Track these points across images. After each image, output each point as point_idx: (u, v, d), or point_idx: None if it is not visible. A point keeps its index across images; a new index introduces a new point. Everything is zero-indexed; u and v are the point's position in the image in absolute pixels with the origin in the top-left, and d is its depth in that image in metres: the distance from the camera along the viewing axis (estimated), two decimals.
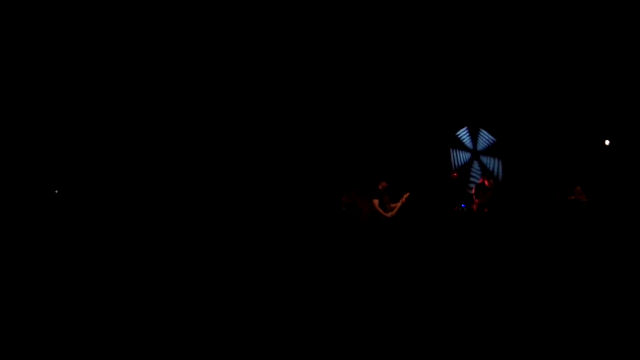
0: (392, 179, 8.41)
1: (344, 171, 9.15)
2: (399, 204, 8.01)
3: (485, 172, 9.26)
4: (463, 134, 9.76)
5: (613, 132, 8.93)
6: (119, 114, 8.63)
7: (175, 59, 8.50)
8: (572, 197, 7.90)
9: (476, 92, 9.01)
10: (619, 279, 4.41)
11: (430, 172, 8.73)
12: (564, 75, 8.79)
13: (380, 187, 8.13)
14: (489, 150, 9.87)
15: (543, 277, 4.63)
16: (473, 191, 7.89)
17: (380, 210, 8.02)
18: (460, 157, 9.56)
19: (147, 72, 8.50)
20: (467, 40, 8.51)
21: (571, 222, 7.51)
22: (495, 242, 6.89)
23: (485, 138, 9.88)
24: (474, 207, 7.80)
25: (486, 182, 7.74)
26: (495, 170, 9.76)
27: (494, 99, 9.06)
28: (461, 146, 9.65)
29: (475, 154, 9.87)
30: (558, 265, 5.10)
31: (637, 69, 8.44)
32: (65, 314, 3.72)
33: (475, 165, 9.78)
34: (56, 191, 8.73)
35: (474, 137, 9.89)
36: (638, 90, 8.52)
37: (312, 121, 9.16)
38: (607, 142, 8.79)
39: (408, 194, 8.16)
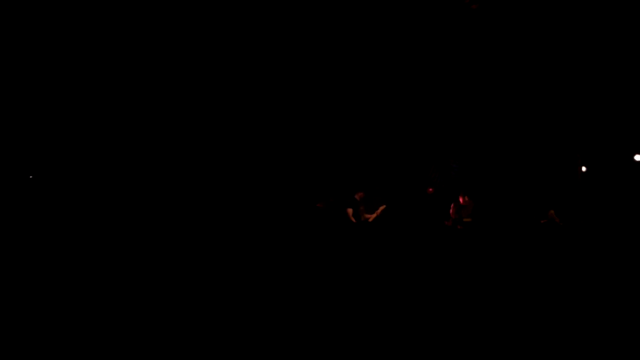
0: (370, 190, 8.40)
1: (326, 179, 9.14)
2: (373, 216, 8.01)
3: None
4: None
5: (587, 157, 9.08)
6: (116, 114, 8.58)
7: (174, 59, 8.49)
8: (545, 220, 7.98)
9: (458, 113, 9.06)
10: (598, 297, 4.46)
11: (408, 186, 8.73)
12: (539, 100, 8.92)
13: (356, 197, 8.12)
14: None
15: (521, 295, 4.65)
16: (451, 209, 7.89)
17: (353, 220, 8.01)
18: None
19: (144, 71, 8.48)
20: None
21: (547, 243, 7.58)
22: (470, 258, 6.91)
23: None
24: (449, 222, 7.80)
25: (460, 200, 7.76)
26: None
27: (473, 124, 9.10)
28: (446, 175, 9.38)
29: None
30: (537, 284, 5.14)
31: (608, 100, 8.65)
32: (65, 314, 3.67)
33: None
34: (30, 177, 8.59)
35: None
36: (610, 116, 8.73)
37: (298, 129, 9.16)
38: (583, 169, 8.92)
39: (384, 206, 8.17)
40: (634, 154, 8.99)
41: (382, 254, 7.71)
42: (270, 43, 8.50)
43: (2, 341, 3.10)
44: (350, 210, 8.08)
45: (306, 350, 3.21)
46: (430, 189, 8.03)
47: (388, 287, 5.52)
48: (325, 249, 7.62)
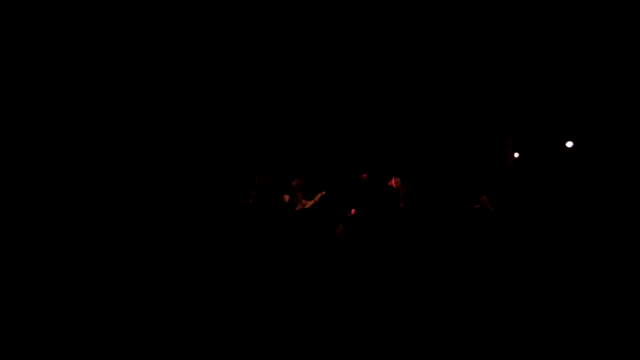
0: (309, 177, 8.38)
1: (264, 167, 9.02)
2: (311, 202, 7.96)
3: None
4: None
5: (519, 143, 9.31)
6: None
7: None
8: (478, 205, 8.14)
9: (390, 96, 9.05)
10: (529, 281, 4.59)
11: (344, 172, 8.73)
12: (472, 85, 9.02)
13: (293, 183, 8.07)
14: None
15: (458, 280, 4.73)
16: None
17: (297, 207, 7.98)
18: None
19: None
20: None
21: (480, 228, 7.75)
22: (408, 243, 7.01)
23: None
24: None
25: (393, 183, 7.81)
26: None
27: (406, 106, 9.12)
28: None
29: None
30: (472, 269, 5.25)
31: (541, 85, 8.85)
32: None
33: None
34: None
35: None
36: (541, 105, 8.95)
37: (238, 117, 8.97)
38: (516, 155, 9.16)
39: (323, 192, 8.14)
40: (566, 141, 9.32)
41: (321, 239, 7.72)
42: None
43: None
44: (287, 197, 8.04)
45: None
46: (364, 175, 8.03)
47: (327, 272, 5.53)
48: (265, 239, 7.58)
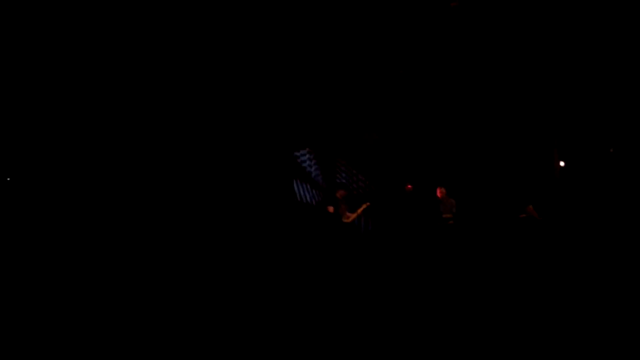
0: (352, 188, 8.42)
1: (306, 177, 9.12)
2: (354, 215, 7.99)
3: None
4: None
5: (565, 152, 9.19)
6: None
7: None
8: (524, 215, 8.04)
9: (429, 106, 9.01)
10: (580, 289, 4.57)
11: (390, 183, 8.75)
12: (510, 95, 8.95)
13: (338, 195, 8.11)
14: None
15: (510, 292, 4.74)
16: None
17: (345, 218, 7.99)
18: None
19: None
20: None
21: (528, 237, 7.67)
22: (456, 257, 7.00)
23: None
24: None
25: (438, 193, 7.75)
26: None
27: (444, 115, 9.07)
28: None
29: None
30: (525, 279, 5.24)
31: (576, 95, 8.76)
32: (65, 314, 3.70)
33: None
34: (8, 179, 8.45)
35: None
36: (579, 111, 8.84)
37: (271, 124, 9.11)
38: (561, 164, 9.02)
39: (367, 204, 8.17)
40: (610, 148, 9.14)
41: (367, 251, 7.75)
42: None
43: (2, 341, 3.07)
44: (331, 209, 8.07)
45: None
46: (409, 186, 8.04)
47: (374, 283, 5.57)
48: (310, 248, 7.66)
